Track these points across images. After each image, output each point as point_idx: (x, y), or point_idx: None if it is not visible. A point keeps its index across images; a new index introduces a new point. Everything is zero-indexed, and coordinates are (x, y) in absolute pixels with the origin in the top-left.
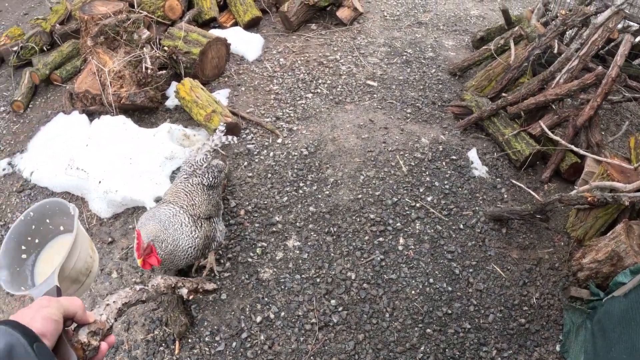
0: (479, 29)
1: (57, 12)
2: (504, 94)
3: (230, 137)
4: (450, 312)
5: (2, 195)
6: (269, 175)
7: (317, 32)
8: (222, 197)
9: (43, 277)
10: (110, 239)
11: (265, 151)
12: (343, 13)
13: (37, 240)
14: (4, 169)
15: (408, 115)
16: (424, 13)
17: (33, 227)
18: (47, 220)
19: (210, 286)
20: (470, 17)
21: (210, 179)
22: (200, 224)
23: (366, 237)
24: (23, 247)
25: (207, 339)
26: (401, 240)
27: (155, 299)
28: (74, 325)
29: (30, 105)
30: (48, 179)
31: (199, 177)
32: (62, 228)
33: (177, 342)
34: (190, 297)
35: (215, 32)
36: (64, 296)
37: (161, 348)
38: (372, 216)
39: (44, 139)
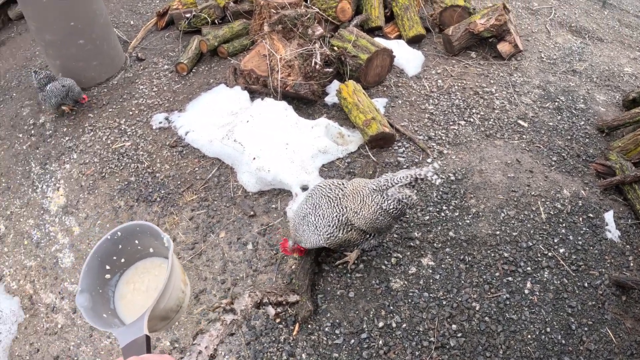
0: (632, 89)
1: None
2: None
3: (436, 178)
4: None
5: (155, 146)
6: (415, 191)
7: (476, 60)
8: (395, 225)
9: (125, 301)
10: (252, 212)
11: (414, 167)
12: (503, 47)
13: (122, 260)
14: (160, 122)
15: (553, 163)
16: (580, 62)
17: (120, 246)
18: (136, 241)
19: (293, 298)
20: (623, 74)
21: (391, 208)
22: (346, 230)
23: (497, 274)
24: (107, 267)
25: (327, 329)
26: (528, 285)
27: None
28: None
29: (193, 70)
30: (203, 143)
31: (385, 199)
32: (151, 250)
33: (297, 324)
34: (277, 320)
35: (379, 41)
36: (154, 353)
37: (280, 326)
38: (505, 255)
39: (203, 104)
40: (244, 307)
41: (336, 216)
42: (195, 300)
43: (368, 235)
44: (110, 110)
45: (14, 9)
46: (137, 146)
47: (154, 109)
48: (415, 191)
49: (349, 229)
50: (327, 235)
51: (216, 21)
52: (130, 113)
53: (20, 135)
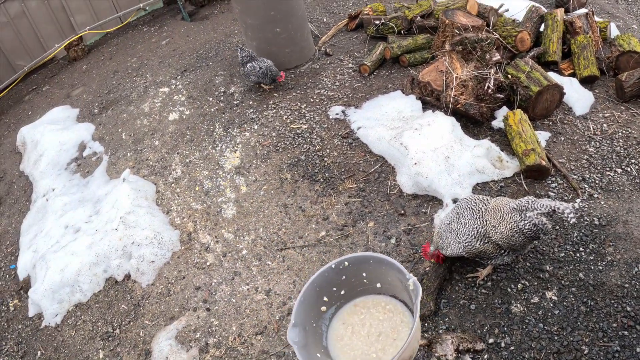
0: None
1: (421, 6)
2: None
3: (572, 217)
4: None
5: (329, 133)
6: (557, 227)
7: None
8: (528, 245)
9: (342, 343)
10: (402, 211)
11: (557, 200)
12: None
13: (342, 292)
14: (337, 114)
15: None
16: None
17: (343, 277)
18: (364, 274)
19: (479, 346)
20: None
21: (526, 229)
22: (484, 242)
23: (614, 324)
24: (325, 299)
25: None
26: None
27: None
28: None
29: (374, 73)
30: (371, 140)
31: (522, 219)
32: (379, 285)
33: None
34: None
35: (552, 76)
36: None
37: None
38: (628, 309)
39: (378, 105)
40: (451, 357)
41: (476, 227)
42: None
43: (502, 251)
44: (294, 94)
45: None
46: (312, 130)
47: (333, 101)
48: (552, 220)
49: (486, 241)
50: (466, 243)
51: (402, 32)
52: (312, 100)
53: (211, 99)
